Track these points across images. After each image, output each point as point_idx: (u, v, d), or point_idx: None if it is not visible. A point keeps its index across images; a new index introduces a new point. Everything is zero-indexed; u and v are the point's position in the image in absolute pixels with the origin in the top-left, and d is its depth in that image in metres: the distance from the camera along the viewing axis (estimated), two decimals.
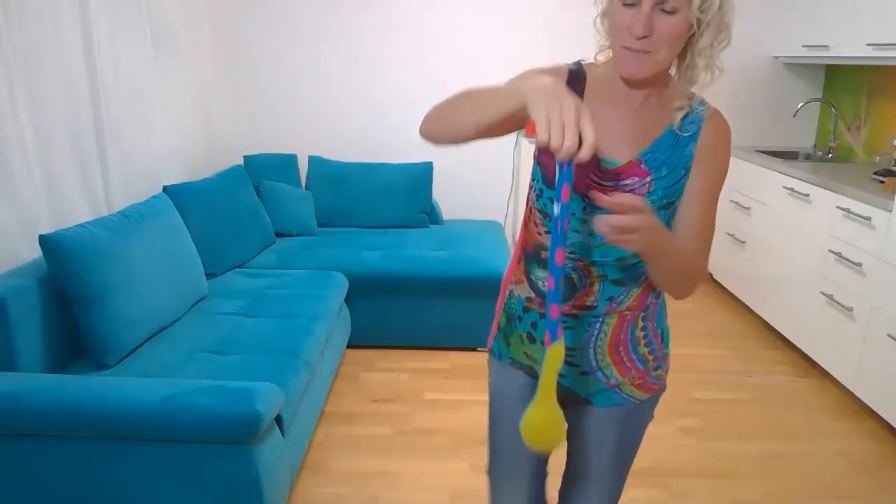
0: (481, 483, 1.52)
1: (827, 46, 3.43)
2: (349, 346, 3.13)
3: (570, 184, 0.96)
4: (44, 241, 2.03)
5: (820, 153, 3.89)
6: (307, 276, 3.02)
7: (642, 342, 1.28)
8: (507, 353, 1.36)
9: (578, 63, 1.21)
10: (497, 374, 1.40)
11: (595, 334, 1.25)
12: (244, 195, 3.34)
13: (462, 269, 3.17)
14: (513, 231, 4.16)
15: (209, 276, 2.86)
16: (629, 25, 1.05)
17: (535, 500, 1.45)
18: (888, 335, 2.54)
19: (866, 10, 3.13)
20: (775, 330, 3.46)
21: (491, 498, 1.47)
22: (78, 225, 2.19)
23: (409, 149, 3.71)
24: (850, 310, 2.78)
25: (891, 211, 2.58)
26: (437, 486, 2.15)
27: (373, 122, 4.03)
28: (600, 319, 1.24)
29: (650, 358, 1.30)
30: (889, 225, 2.59)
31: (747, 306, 3.78)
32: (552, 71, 1.18)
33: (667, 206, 1.18)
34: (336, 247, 3.38)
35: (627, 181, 1.15)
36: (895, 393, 2.54)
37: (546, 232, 1.22)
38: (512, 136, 3.93)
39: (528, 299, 1.28)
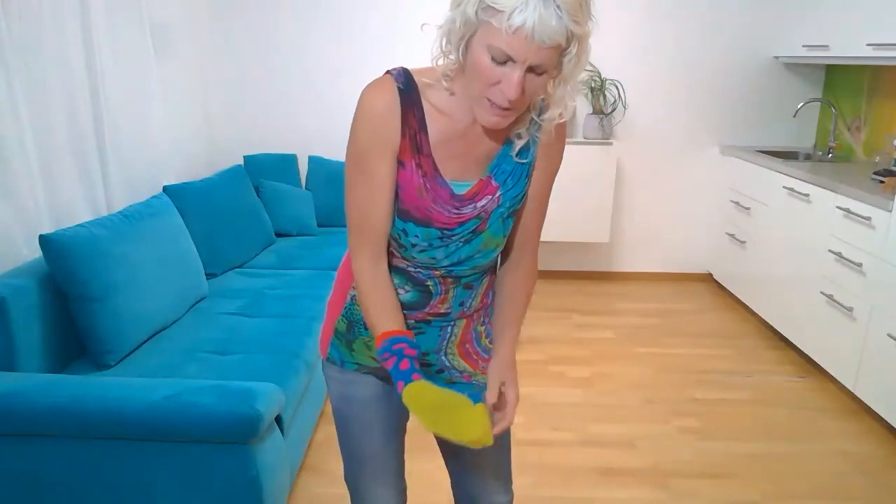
0: None
1: (827, 46, 3.43)
2: None
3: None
4: (44, 241, 2.03)
5: (820, 153, 3.89)
6: (307, 276, 3.02)
7: (483, 335, 1.33)
8: (350, 360, 1.32)
9: (405, 74, 1.11)
10: (341, 382, 1.35)
11: (447, 338, 1.29)
12: (244, 195, 3.34)
13: None
14: None
15: (209, 276, 2.87)
16: (500, 85, 1.00)
17: (402, 491, 1.47)
18: (888, 335, 2.54)
19: (866, 10, 3.13)
20: (775, 330, 3.45)
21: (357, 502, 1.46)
22: (78, 225, 2.19)
23: None
24: (850, 310, 2.78)
25: (891, 211, 2.58)
26: (437, 485, 2.15)
27: None
28: (451, 323, 1.28)
29: (492, 346, 1.34)
30: (889, 225, 2.58)
31: (747, 306, 3.78)
32: (379, 88, 1.10)
33: (513, 214, 1.21)
34: (336, 247, 3.38)
35: (482, 201, 1.16)
36: (895, 393, 2.54)
37: (402, 256, 1.19)
38: None
39: None
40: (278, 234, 3.58)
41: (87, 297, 2.09)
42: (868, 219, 2.70)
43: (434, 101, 1.11)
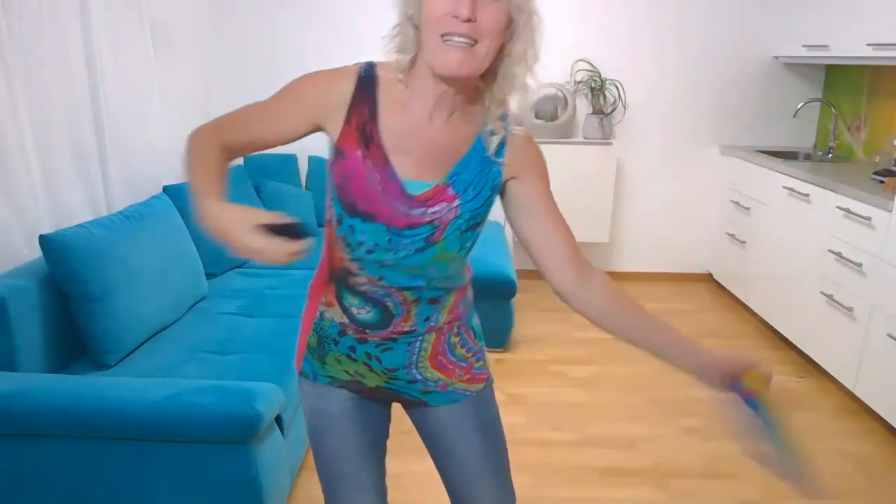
0: None
1: (827, 46, 3.43)
2: None
3: None
4: (44, 241, 2.03)
5: (820, 153, 3.89)
6: (307, 276, 2.99)
7: (458, 345, 1.29)
8: (323, 373, 1.30)
9: (371, 66, 1.12)
10: (314, 396, 1.32)
11: (416, 353, 1.23)
12: (244, 195, 3.34)
13: None
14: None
15: (209, 276, 2.86)
16: (452, 10, 0.97)
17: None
18: (888, 335, 2.54)
19: (866, 10, 3.13)
20: (775, 330, 3.45)
21: None
22: (78, 225, 2.19)
23: None
24: (850, 310, 2.78)
25: (891, 211, 2.58)
26: (437, 486, 2.15)
27: None
28: (419, 339, 1.23)
29: (469, 355, 1.30)
30: (889, 225, 2.58)
31: (747, 306, 3.78)
32: (336, 75, 1.11)
33: (473, 227, 1.16)
34: None
35: (435, 207, 1.10)
36: (895, 393, 2.54)
37: (350, 259, 1.15)
38: None
39: (343, 324, 1.23)
40: None
41: (87, 297, 2.08)
42: (868, 219, 2.70)
43: (393, 93, 1.10)
